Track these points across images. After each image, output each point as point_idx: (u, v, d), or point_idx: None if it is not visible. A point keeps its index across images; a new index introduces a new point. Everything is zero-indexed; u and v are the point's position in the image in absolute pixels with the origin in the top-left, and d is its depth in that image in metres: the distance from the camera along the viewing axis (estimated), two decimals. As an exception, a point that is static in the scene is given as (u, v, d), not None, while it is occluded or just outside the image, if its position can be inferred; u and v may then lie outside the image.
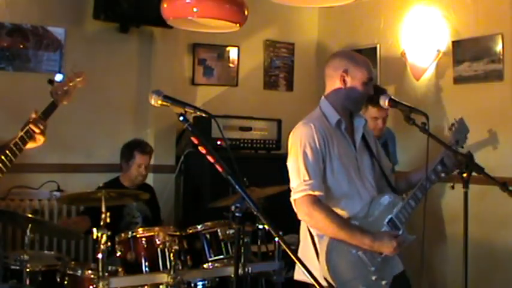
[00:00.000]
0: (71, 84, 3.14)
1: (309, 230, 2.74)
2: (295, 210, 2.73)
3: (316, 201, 2.64)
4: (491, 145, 4.52)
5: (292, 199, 2.71)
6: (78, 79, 3.17)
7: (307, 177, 2.65)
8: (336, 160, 2.73)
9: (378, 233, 2.70)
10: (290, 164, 2.75)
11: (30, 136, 2.96)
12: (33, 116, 2.99)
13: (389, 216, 2.76)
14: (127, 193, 4.01)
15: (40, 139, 3.00)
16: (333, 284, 2.61)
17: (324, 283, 2.62)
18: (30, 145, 3.01)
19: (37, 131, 2.95)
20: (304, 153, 2.67)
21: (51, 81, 3.09)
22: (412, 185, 2.93)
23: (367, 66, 2.83)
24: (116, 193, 3.60)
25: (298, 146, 2.69)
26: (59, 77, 3.12)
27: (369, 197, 2.79)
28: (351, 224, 2.68)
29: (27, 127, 2.96)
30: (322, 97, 2.88)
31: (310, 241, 2.72)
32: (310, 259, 2.69)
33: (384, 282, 2.72)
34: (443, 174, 2.88)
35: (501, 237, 4.58)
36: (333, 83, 2.83)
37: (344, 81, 2.79)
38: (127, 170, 4.40)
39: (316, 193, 2.64)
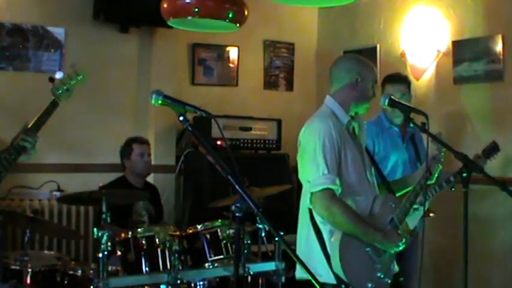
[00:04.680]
0: (71, 82, 3.14)
1: (315, 227, 2.74)
2: (301, 203, 2.76)
3: (334, 196, 2.68)
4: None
5: (309, 192, 2.71)
6: (78, 77, 3.17)
7: (326, 171, 2.68)
8: (349, 158, 2.78)
9: (388, 231, 2.77)
10: (305, 158, 2.77)
11: (23, 150, 2.93)
12: (24, 128, 2.95)
13: (391, 216, 2.82)
14: (128, 193, 4.01)
15: (32, 153, 2.97)
16: (344, 279, 2.63)
17: (332, 280, 2.65)
18: (22, 157, 2.98)
19: (28, 145, 2.93)
20: (324, 148, 2.71)
21: (52, 79, 3.10)
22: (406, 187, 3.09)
23: (374, 69, 2.97)
24: (116, 193, 3.60)
25: (317, 141, 2.72)
26: (59, 75, 3.13)
27: (373, 196, 2.84)
28: (365, 220, 2.72)
29: (18, 141, 2.92)
30: (328, 96, 2.91)
31: (315, 238, 2.74)
32: (316, 257, 2.71)
33: (387, 280, 2.76)
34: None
35: (501, 237, 4.58)
36: (343, 84, 2.87)
37: (357, 83, 2.84)
38: (131, 165, 4.39)
39: (335, 187, 2.68)
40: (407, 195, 2.93)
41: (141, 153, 4.41)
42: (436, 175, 3.07)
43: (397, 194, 3.05)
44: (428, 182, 3.06)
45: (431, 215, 3.57)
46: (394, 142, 3.76)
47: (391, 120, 3.78)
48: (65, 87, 3.10)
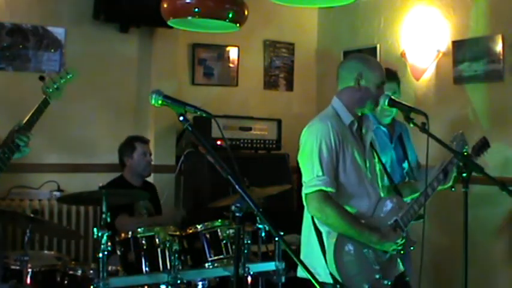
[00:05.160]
0: (61, 80, 3.18)
1: (315, 227, 2.75)
2: (304, 204, 2.76)
3: (328, 198, 2.68)
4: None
5: (303, 193, 2.73)
6: (68, 75, 3.21)
7: (320, 173, 2.69)
8: (348, 159, 2.77)
9: (385, 230, 2.76)
10: (303, 159, 2.78)
11: (17, 148, 2.97)
12: (18, 127, 3.00)
13: (394, 218, 2.81)
14: (128, 193, 4.02)
15: (25, 151, 3.02)
16: (339, 280, 2.64)
17: (330, 280, 2.65)
18: (16, 155, 3.02)
19: (22, 144, 2.97)
20: (320, 149, 2.71)
21: (42, 78, 3.14)
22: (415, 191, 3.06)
23: (380, 70, 2.90)
24: (116, 193, 3.60)
25: (314, 142, 2.73)
26: (49, 74, 3.18)
27: (376, 198, 2.84)
28: (360, 221, 2.73)
29: (12, 139, 2.96)
30: (335, 97, 2.91)
31: (315, 238, 2.74)
32: (315, 257, 2.71)
33: (386, 282, 2.75)
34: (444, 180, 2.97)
35: (501, 237, 4.58)
36: (347, 85, 2.86)
37: (359, 83, 2.82)
38: (132, 164, 4.38)
39: (328, 189, 2.68)
40: (417, 198, 2.91)
41: (144, 152, 4.42)
42: (452, 178, 3.02)
43: (404, 199, 3.02)
44: (444, 186, 3.02)
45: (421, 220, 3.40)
46: (383, 143, 3.65)
47: (378, 120, 3.67)
48: (55, 86, 3.14)
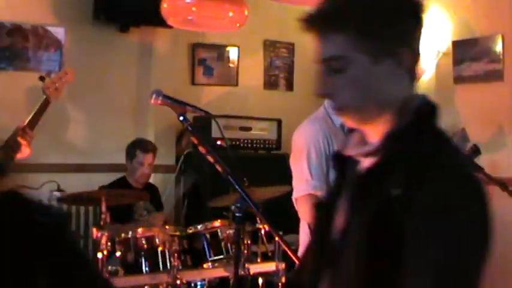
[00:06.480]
0: (61, 80, 3.21)
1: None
2: (296, 208, 2.75)
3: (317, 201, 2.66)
4: (491, 145, 4.52)
5: (293, 197, 2.73)
6: (66, 75, 3.24)
7: (309, 178, 2.67)
8: None
9: None
10: (293, 163, 2.77)
11: (18, 148, 2.99)
12: (20, 127, 3.03)
13: None
14: (128, 193, 4.02)
15: (26, 151, 3.04)
16: None
17: None
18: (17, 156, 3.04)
19: (24, 143, 2.99)
20: (308, 154, 2.69)
21: (43, 78, 3.18)
22: None
23: None
24: (116, 193, 3.61)
25: (303, 146, 2.71)
26: (49, 74, 3.22)
27: None
28: None
29: (15, 139, 2.99)
30: None
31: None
32: None
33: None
34: None
35: (501, 238, 4.58)
36: None
37: None
38: (131, 169, 4.39)
39: (318, 193, 2.66)
40: None
41: (142, 162, 4.37)
42: None
43: None
44: None
45: None
46: None
47: None
48: (55, 86, 3.17)
